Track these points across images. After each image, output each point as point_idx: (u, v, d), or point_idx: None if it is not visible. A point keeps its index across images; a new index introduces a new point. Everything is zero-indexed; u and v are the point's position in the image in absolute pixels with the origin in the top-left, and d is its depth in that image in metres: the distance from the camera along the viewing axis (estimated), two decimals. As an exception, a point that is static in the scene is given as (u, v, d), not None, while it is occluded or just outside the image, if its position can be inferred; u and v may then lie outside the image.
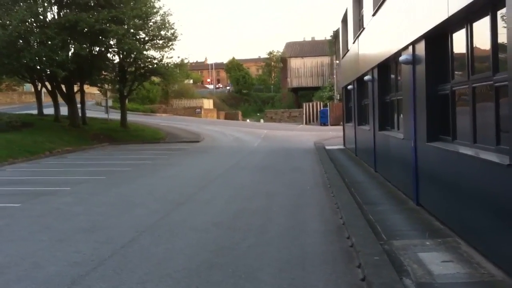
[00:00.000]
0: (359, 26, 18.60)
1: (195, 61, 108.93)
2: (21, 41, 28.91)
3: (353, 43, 19.98)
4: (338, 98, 48.62)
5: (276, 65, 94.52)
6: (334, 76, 53.11)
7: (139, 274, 6.34)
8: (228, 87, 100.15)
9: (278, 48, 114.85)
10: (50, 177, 16.71)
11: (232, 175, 16.54)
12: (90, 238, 8.28)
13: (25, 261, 7.05)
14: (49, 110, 38.23)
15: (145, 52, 34.44)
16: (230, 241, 7.92)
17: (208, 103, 72.29)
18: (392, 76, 13.61)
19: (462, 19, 7.30)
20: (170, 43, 35.78)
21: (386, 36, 12.86)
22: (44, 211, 10.89)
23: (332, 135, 33.13)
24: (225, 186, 14.09)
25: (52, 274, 6.42)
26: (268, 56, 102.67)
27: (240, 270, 6.41)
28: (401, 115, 12.05)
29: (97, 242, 8.01)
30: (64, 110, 35.55)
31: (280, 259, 6.85)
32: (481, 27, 6.78)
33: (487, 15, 6.45)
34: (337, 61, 45.52)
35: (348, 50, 22.71)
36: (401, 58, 10.19)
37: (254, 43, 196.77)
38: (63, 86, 34.00)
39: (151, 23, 34.46)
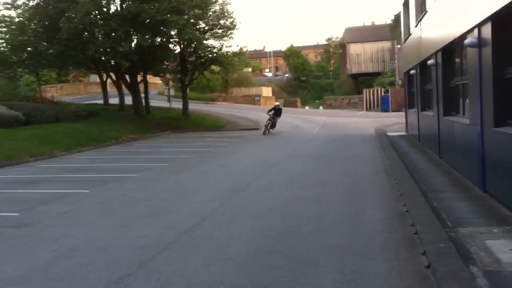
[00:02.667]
0: (421, 9, 18.04)
1: (253, 50, 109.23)
2: (86, 33, 29.95)
3: (415, 26, 19.43)
4: (400, 83, 47.46)
5: (335, 51, 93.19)
6: (396, 61, 51.84)
7: (203, 257, 6.50)
8: (286, 75, 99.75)
9: (337, 34, 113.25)
10: (116, 164, 17.29)
11: (290, 162, 16.52)
12: (154, 223, 8.55)
13: (93, 244, 7.36)
14: (114, 100, 39.51)
15: (204, 42, 34.88)
16: (289, 227, 7.95)
17: (267, 91, 72.37)
18: (457, 60, 13.16)
19: (533, -2, 6.95)
20: (229, 32, 36.07)
21: (449, 19, 12.42)
22: (110, 197, 11.31)
23: (394, 121, 32.44)
24: (283, 173, 14.07)
25: (120, 257, 6.67)
26: (327, 42, 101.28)
27: (300, 255, 6.44)
28: (467, 100, 11.65)
29: (161, 227, 8.26)
30: (128, 100, 36.65)
31: (340, 246, 6.82)
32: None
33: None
34: (398, 46, 44.39)
35: (410, 34, 22.11)
36: (466, 41, 9.82)
37: (313, 30, 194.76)
38: (127, 77, 34.99)
39: (210, 13, 34.83)
